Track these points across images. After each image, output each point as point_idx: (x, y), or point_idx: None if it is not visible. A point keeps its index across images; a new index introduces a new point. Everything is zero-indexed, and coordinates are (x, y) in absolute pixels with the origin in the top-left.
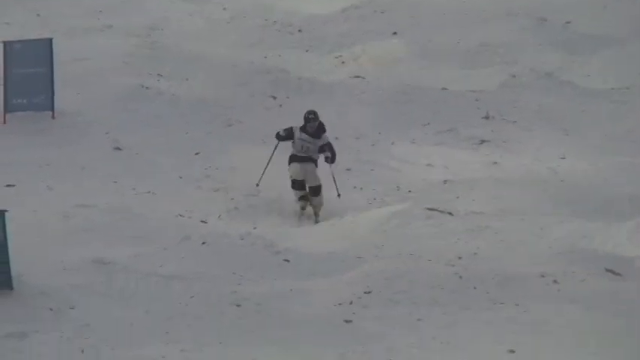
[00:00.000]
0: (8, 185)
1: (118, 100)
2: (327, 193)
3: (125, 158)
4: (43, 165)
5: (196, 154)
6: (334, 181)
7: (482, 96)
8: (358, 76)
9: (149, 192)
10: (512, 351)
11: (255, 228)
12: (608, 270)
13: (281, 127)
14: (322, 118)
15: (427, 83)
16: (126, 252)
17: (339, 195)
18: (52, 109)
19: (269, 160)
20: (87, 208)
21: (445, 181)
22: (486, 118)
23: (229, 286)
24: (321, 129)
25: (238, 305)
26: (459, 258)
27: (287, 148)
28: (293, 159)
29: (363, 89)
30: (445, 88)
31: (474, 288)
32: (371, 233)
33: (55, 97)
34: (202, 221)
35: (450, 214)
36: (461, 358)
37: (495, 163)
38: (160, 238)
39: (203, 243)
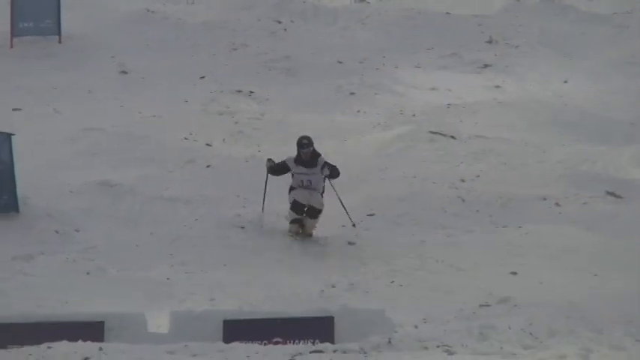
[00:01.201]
0: (15, 109)
1: (124, 25)
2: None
3: (131, 82)
4: (49, 89)
5: (201, 77)
6: (346, 211)
7: (486, 21)
8: (363, 0)
9: (154, 115)
10: (514, 273)
11: (259, 151)
12: (609, 193)
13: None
14: (326, 42)
15: (431, 8)
16: (131, 175)
17: (354, 225)
18: (59, 33)
19: (264, 192)
20: (93, 132)
21: (449, 105)
22: (489, 42)
23: (233, 208)
24: (315, 155)
25: (242, 227)
26: (462, 181)
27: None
28: (295, 189)
29: (368, 14)
30: (449, 13)
31: (477, 211)
32: (375, 156)
33: (62, 21)
34: (207, 144)
35: (453, 137)
36: (463, 280)
37: (498, 87)
38: (165, 161)
39: (208, 166)
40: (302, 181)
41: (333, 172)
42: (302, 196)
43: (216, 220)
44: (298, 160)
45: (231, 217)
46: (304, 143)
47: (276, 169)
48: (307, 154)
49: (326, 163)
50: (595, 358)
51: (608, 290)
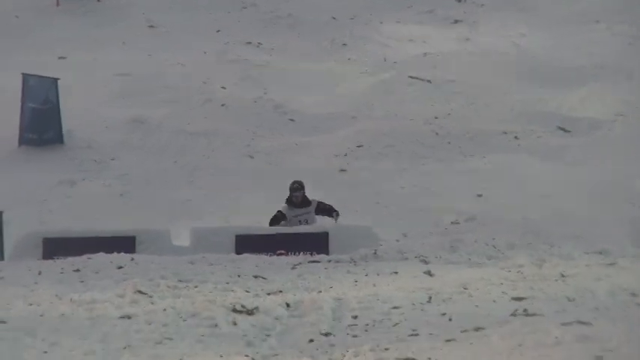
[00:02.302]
0: (60, 57)
1: None
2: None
3: (157, 35)
4: (89, 41)
5: (217, 31)
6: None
7: None
8: None
9: (178, 63)
10: (479, 195)
11: (265, 92)
12: (560, 128)
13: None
14: (323, 1)
15: None
16: (158, 113)
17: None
18: None
19: None
20: (126, 77)
21: (425, 54)
22: (459, 1)
23: (244, 140)
24: (306, 199)
25: (251, 157)
26: (436, 118)
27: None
28: None
29: None
30: None
31: (448, 143)
32: (362, 97)
33: None
34: (222, 87)
35: (429, 81)
36: (437, 201)
37: (467, 39)
38: (187, 101)
39: (222, 105)
40: (299, 221)
41: (338, 213)
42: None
43: (229, 150)
44: (291, 203)
45: (242, 148)
46: (296, 187)
47: (275, 220)
48: (299, 198)
49: (322, 203)
50: (548, 267)
51: (560, 210)
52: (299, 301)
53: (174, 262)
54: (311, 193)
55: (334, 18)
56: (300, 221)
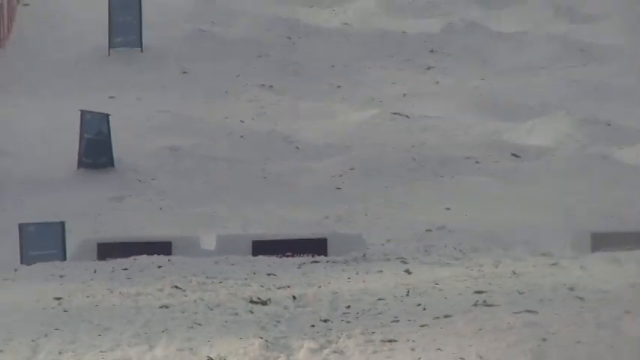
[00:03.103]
0: (110, 97)
1: (185, 40)
2: None
3: (189, 79)
4: (134, 83)
5: (237, 76)
6: None
7: (430, 37)
8: (347, 24)
9: (205, 102)
10: (448, 208)
11: (276, 126)
12: (512, 154)
13: None
14: (322, 52)
15: (392, 28)
16: (189, 142)
17: None
18: (141, 45)
19: None
20: (163, 113)
21: (404, 94)
22: (432, 52)
23: (259, 165)
24: None
25: (265, 178)
26: (413, 146)
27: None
28: None
29: (351, 33)
30: (404, 32)
31: (423, 166)
32: (355, 130)
33: (143, 37)
34: (241, 121)
35: (407, 116)
36: (414, 212)
37: (437, 82)
38: (212, 133)
39: (241, 136)
40: None
41: None
42: None
43: (246, 173)
44: None
45: (257, 171)
46: None
47: None
48: None
49: None
50: (502, 267)
51: (513, 221)
52: (303, 294)
53: (203, 262)
54: (313, 207)
55: (332, 65)
56: None
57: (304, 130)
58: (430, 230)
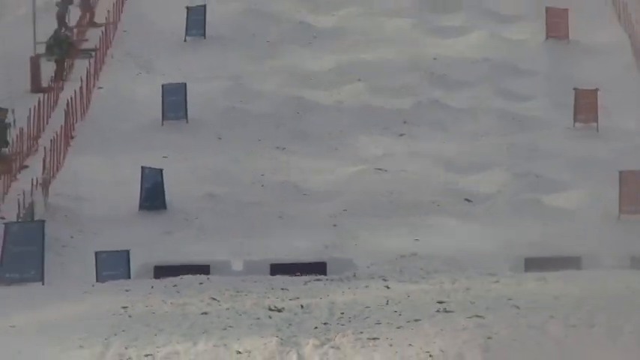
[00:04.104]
0: (164, 157)
1: (220, 114)
2: None
3: (223, 143)
4: (182, 146)
5: (259, 140)
6: None
7: (402, 111)
8: (341, 102)
9: (236, 160)
10: (417, 239)
11: (288, 177)
12: (466, 199)
13: None
14: (322, 124)
15: (374, 103)
16: (223, 190)
17: None
18: (186, 118)
19: None
20: (203, 169)
21: (384, 154)
22: (405, 122)
23: (277, 207)
24: None
25: (281, 217)
26: (391, 193)
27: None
28: None
29: (343, 109)
30: (383, 107)
31: (398, 208)
32: (347, 180)
33: (188, 112)
34: (261, 174)
35: (386, 170)
36: (391, 243)
37: (409, 145)
38: (240, 183)
39: (262, 185)
40: None
41: None
42: None
43: (265, 213)
44: None
45: (275, 212)
46: None
47: None
48: None
49: None
50: (459, 283)
51: (466, 248)
52: (309, 303)
53: (233, 280)
54: (315, 239)
55: (330, 133)
56: None
57: (309, 181)
58: (404, 256)
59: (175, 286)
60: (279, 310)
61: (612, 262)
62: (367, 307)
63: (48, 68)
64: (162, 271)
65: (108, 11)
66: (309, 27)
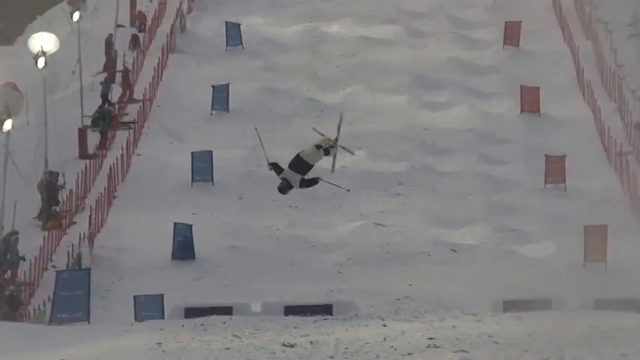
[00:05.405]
0: (193, 214)
1: (241, 177)
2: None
3: (244, 202)
4: (208, 205)
5: (274, 200)
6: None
7: (398, 175)
8: (344, 166)
9: (254, 216)
10: (410, 285)
11: (300, 232)
12: (452, 249)
13: None
14: (329, 190)
15: (373, 169)
16: (244, 242)
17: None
18: (212, 180)
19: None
20: (227, 224)
21: (382, 211)
22: (400, 184)
23: (289, 256)
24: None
25: (292, 265)
26: (387, 244)
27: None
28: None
29: (347, 173)
30: (382, 172)
31: (394, 257)
32: (350, 234)
33: (213, 175)
34: (277, 229)
35: (384, 225)
36: (388, 287)
37: (403, 204)
38: (259, 236)
39: (277, 239)
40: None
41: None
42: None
43: (279, 262)
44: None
45: (287, 261)
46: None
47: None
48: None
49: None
50: (446, 322)
51: (453, 292)
52: (317, 340)
53: (252, 319)
54: (322, 284)
55: (335, 193)
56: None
57: (317, 234)
58: (399, 299)
59: (202, 325)
60: (292, 346)
61: (578, 304)
62: (367, 342)
63: (93, 138)
64: (192, 312)
65: (145, 89)
66: (318, 103)
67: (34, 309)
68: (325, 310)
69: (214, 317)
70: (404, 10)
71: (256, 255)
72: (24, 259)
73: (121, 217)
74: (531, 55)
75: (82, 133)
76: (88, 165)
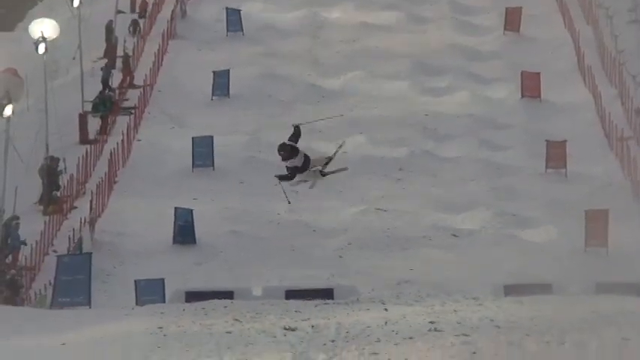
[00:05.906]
0: (194, 198)
1: (242, 162)
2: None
3: (246, 188)
4: (209, 190)
5: (275, 185)
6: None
7: (399, 160)
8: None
9: (254, 201)
10: (411, 269)
11: (300, 217)
12: (453, 234)
13: None
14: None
15: (374, 154)
16: (245, 227)
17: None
18: (213, 165)
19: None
20: (228, 209)
21: (383, 196)
22: (400, 169)
23: (289, 242)
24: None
25: (293, 250)
26: (388, 229)
27: None
28: None
29: (348, 158)
30: (383, 157)
31: (395, 242)
32: (351, 219)
33: (214, 160)
34: (278, 213)
35: (385, 210)
36: (389, 271)
37: (404, 188)
38: (259, 222)
39: (278, 224)
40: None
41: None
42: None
43: (280, 247)
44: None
45: (288, 246)
46: (279, 152)
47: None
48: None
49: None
50: (448, 306)
51: (454, 276)
52: (318, 324)
53: (253, 303)
54: (324, 268)
55: (335, 178)
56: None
57: (318, 219)
58: (400, 283)
59: (204, 309)
60: (293, 330)
61: (579, 289)
62: (368, 326)
63: (94, 124)
64: (193, 296)
65: (145, 75)
66: (319, 88)
67: (35, 293)
68: (326, 294)
69: (215, 301)
70: None
71: (257, 240)
72: (25, 244)
73: (122, 202)
74: (532, 41)
75: (83, 118)
76: (88, 150)
